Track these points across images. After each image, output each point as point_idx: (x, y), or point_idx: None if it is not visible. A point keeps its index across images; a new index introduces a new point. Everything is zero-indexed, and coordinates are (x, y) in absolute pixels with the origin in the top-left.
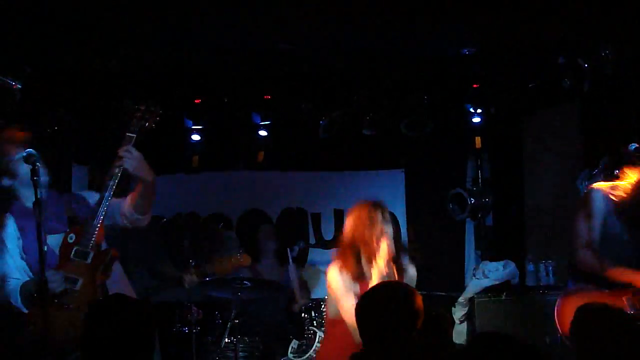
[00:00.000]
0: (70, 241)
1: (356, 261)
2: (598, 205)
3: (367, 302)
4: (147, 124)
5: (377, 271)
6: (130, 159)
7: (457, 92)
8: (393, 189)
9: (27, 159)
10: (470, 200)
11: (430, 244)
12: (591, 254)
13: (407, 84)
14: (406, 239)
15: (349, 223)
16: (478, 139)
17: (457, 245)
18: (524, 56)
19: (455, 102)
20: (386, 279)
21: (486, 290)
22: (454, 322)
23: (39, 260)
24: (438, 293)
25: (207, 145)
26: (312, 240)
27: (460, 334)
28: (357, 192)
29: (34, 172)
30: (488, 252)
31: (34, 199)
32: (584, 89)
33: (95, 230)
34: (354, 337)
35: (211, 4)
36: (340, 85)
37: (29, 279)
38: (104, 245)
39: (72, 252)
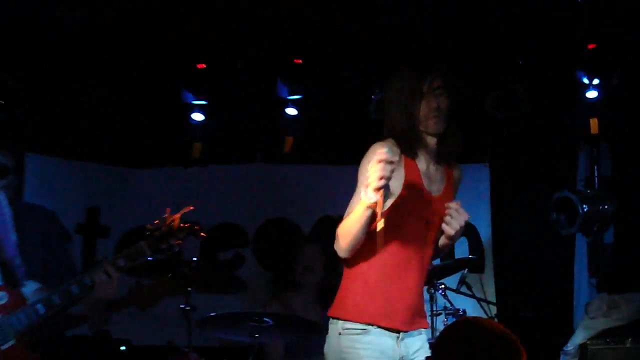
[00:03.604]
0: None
1: None
2: None
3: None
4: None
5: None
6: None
7: (565, 56)
8: (472, 190)
9: None
10: (583, 208)
11: (523, 267)
12: None
13: (495, 44)
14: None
15: None
16: (594, 122)
17: (563, 271)
18: None
19: (563, 69)
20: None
21: (604, 334)
22: None
23: None
24: (536, 337)
25: (213, 128)
26: None
27: None
28: None
29: None
30: (607, 281)
31: None
32: None
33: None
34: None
35: None
36: (399, 44)
37: None
38: None
39: None
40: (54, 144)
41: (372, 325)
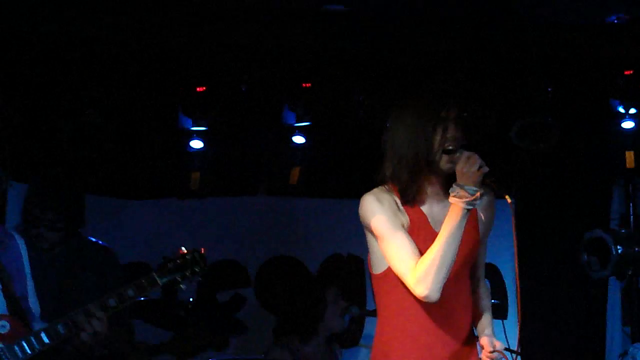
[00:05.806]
0: (1, 331)
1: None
2: None
3: None
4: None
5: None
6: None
7: (598, 82)
8: (495, 228)
9: None
10: (617, 249)
11: (551, 313)
12: None
13: (522, 70)
14: None
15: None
16: (630, 155)
17: (594, 318)
18: None
19: (596, 97)
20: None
21: None
22: None
23: None
24: None
25: (213, 157)
26: (372, 305)
27: None
28: None
29: None
30: None
31: None
32: None
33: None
34: (412, 287)
35: None
36: (415, 68)
37: None
38: None
39: None
40: (38, 171)
41: None
